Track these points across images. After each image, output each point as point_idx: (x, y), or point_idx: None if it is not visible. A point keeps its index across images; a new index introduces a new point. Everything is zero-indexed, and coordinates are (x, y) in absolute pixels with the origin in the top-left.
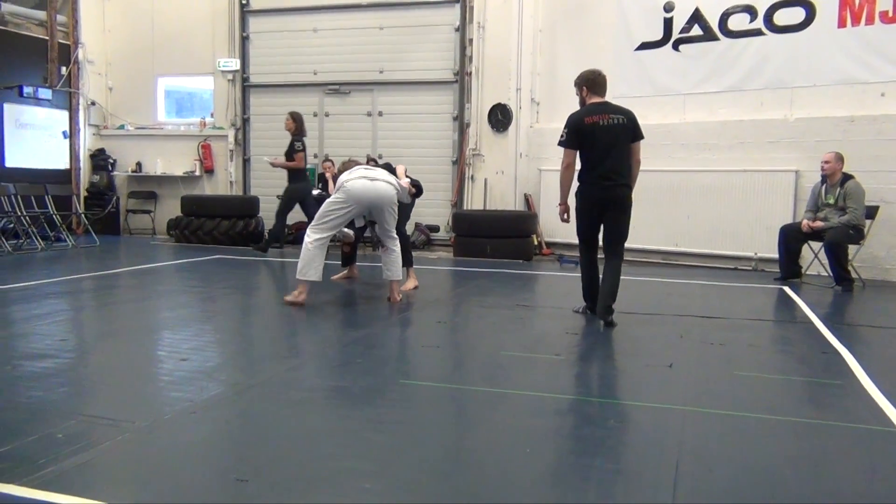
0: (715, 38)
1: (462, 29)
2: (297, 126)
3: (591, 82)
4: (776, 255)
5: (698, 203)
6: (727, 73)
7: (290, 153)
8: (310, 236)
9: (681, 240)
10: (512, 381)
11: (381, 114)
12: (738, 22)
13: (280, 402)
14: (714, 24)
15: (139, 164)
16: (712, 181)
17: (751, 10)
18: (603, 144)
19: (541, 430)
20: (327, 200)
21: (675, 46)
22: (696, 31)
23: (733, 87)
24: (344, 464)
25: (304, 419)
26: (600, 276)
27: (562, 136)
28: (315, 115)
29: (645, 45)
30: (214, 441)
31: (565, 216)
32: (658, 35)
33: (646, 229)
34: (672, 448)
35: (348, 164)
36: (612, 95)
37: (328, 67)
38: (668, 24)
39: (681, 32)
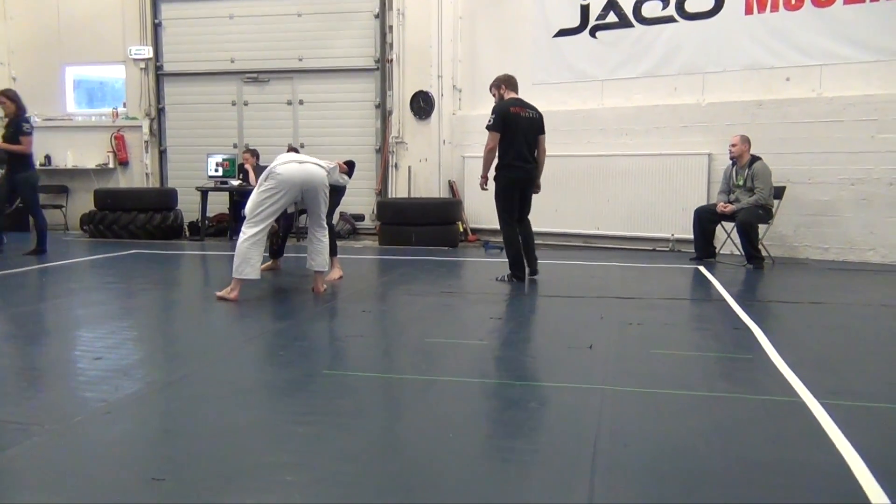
0: (630, 25)
1: (382, 16)
2: (16, 106)
3: (508, 82)
4: (692, 236)
5: (617, 187)
6: (642, 60)
7: (15, 136)
8: (244, 233)
9: (601, 223)
10: (437, 368)
11: (301, 102)
12: (651, 9)
13: (199, 399)
14: (629, 11)
15: (48, 158)
16: (630, 165)
17: None
18: (521, 132)
19: (464, 415)
20: (256, 191)
21: (592, 33)
22: (612, 17)
23: (648, 73)
24: (265, 458)
25: (223, 415)
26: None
27: (490, 120)
28: (234, 103)
29: (563, 32)
30: (130, 441)
31: (485, 186)
32: (575, 22)
33: (567, 213)
34: (591, 427)
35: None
36: (532, 82)
37: (246, 55)
38: (584, 11)
39: (597, 19)
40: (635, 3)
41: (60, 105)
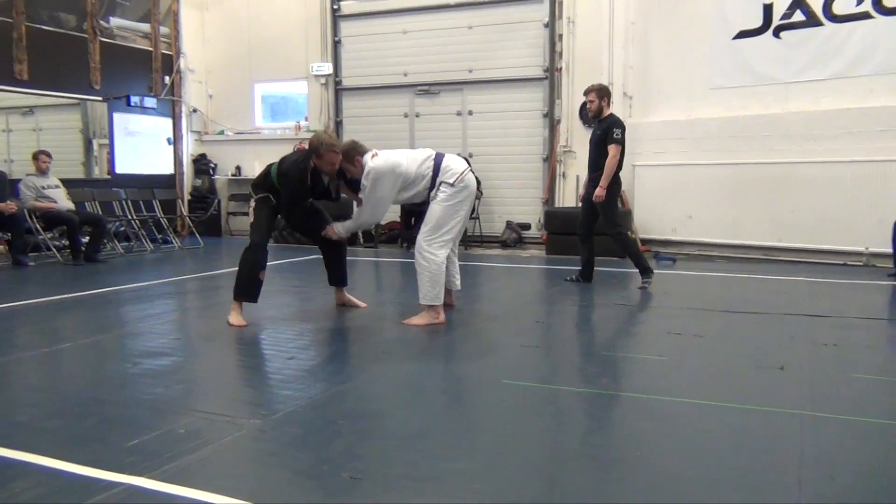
0: (819, 24)
1: (551, 25)
2: None
3: (610, 97)
4: (890, 249)
5: (802, 196)
6: (833, 60)
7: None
8: (435, 254)
9: (784, 234)
10: (616, 383)
11: (470, 113)
12: (843, 5)
13: (382, 401)
14: (818, 8)
15: (238, 168)
16: (817, 173)
17: None
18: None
19: (650, 433)
20: (441, 205)
21: (776, 33)
22: (799, 16)
23: (839, 74)
24: (454, 465)
25: (409, 418)
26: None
27: (618, 134)
28: (406, 115)
29: (743, 34)
30: (325, 438)
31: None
32: (758, 22)
33: (746, 224)
34: (792, 455)
35: (322, 139)
36: (709, 87)
37: (418, 68)
38: (767, 10)
39: (782, 19)
40: (825, 0)
41: (250, 119)
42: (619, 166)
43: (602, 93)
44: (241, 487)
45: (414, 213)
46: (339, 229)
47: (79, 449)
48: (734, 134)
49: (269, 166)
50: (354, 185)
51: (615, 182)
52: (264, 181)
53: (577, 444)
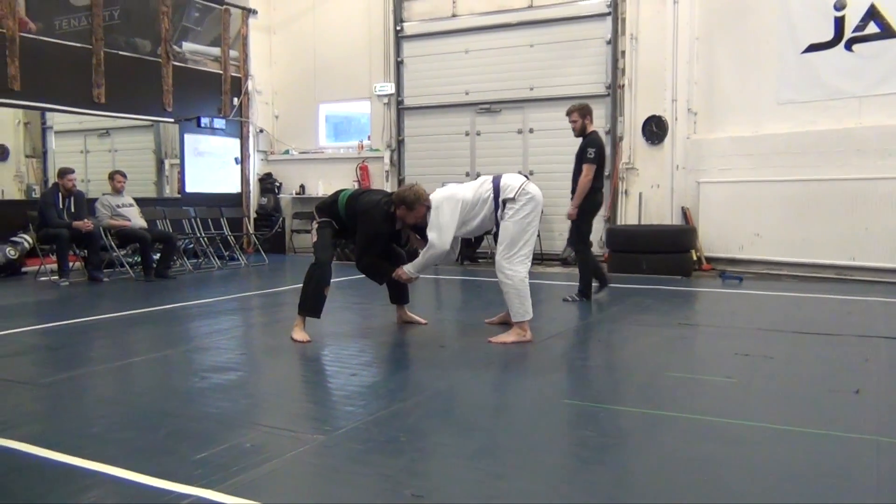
0: (894, 36)
1: (614, 41)
2: None
3: (592, 114)
4: None
5: (878, 213)
6: None
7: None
8: (517, 271)
9: (857, 253)
10: (682, 405)
11: (531, 131)
12: None
13: (447, 418)
14: (893, 20)
15: (302, 187)
16: (894, 189)
17: None
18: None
19: (720, 458)
20: (512, 221)
21: (848, 46)
22: (873, 28)
23: None
24: (517, 484)
25: (471, 436)
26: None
27: (591, 153)
28: (467, 134)
29: (813, 47)
30: (387, 455)
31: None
32: (828, 35)
33: (816, 242)
34: (869, 483)
35: (419, 192)
36: (777, 101)
37: (479, 87)
38: (839, 23)
39: (854, 31)
40: None
41: (314, 139)
42: (600, 184)
43: (584, 112)
44: (306, 502)
45: None
46: (408, 269)
47: (149, 460)
48: (804, 149)
49: (338, 193)
50: (421, 233)
51: (592, 201)
52: (329, 208)
53: (641, 466)
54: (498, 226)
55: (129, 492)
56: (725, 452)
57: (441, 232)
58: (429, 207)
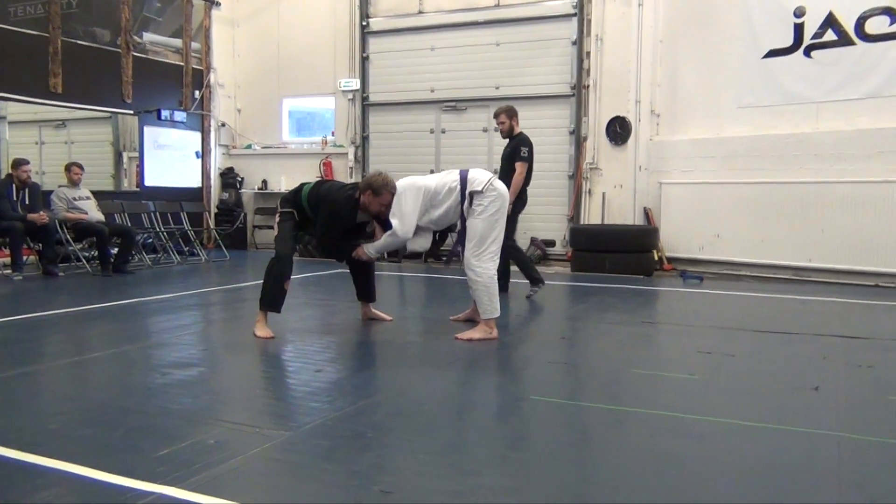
0: (851, 43)
1: (579, 42)
2: None
3: (518, 116)
4: None
5: (834, 216)
6: (866, 79)
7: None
8: (485, 269)
9: (814, 255)
10: (646, 401)
11: (496, 129)
12: (877, 25)
13: (414, 414)
14: (850, 28)
15: (265, 182)
16: (849, 193)
17: (891, 13)
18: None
19: (682, 453)
20: (480, 218)
21: (807, 53)
22: (830, 35)
23: (873, 94)
24: (484, 480)
25: (438, 432)
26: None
27: (524, 152)
28: (432, 131)
29: (774, 52)
30: (355, 451)
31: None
32: (788, 41)
33: (775, 244)
34: (830, 478)
35: (387, 178)
36: (738, 105)
37: (445, 85)
38: (798, 29)
39: (813, 38)
40: (857, 20)
41: (277, 134)
42: (528, 181)
43: (510, 113)
44: (272, 499)
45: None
46: (368, 249)
47: (109, 457)
48: (763, 153)
49: (302, 185)
50: (384, 224)
51: (520, 198)
52: (293, 198)
53: (607, 461)
54: (463, 221)
55: (88, 490)
56: (689, 448)
57: (403, 219)
58: (394, 195)
